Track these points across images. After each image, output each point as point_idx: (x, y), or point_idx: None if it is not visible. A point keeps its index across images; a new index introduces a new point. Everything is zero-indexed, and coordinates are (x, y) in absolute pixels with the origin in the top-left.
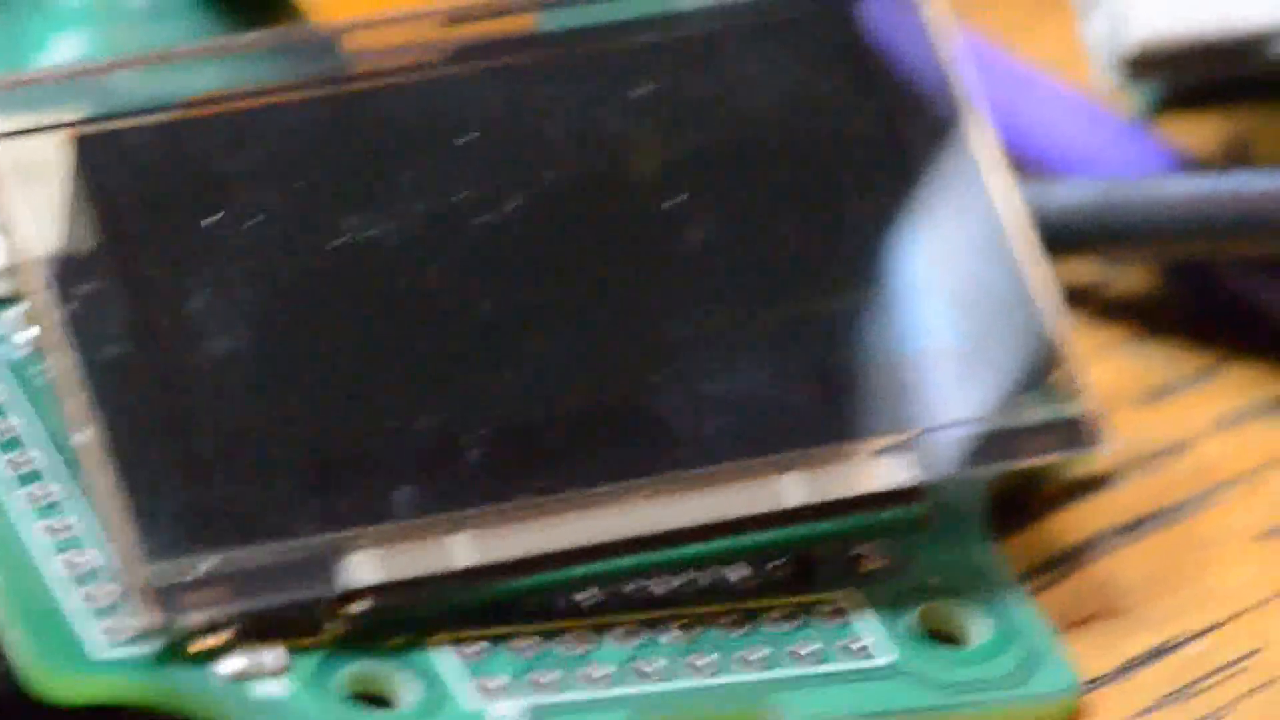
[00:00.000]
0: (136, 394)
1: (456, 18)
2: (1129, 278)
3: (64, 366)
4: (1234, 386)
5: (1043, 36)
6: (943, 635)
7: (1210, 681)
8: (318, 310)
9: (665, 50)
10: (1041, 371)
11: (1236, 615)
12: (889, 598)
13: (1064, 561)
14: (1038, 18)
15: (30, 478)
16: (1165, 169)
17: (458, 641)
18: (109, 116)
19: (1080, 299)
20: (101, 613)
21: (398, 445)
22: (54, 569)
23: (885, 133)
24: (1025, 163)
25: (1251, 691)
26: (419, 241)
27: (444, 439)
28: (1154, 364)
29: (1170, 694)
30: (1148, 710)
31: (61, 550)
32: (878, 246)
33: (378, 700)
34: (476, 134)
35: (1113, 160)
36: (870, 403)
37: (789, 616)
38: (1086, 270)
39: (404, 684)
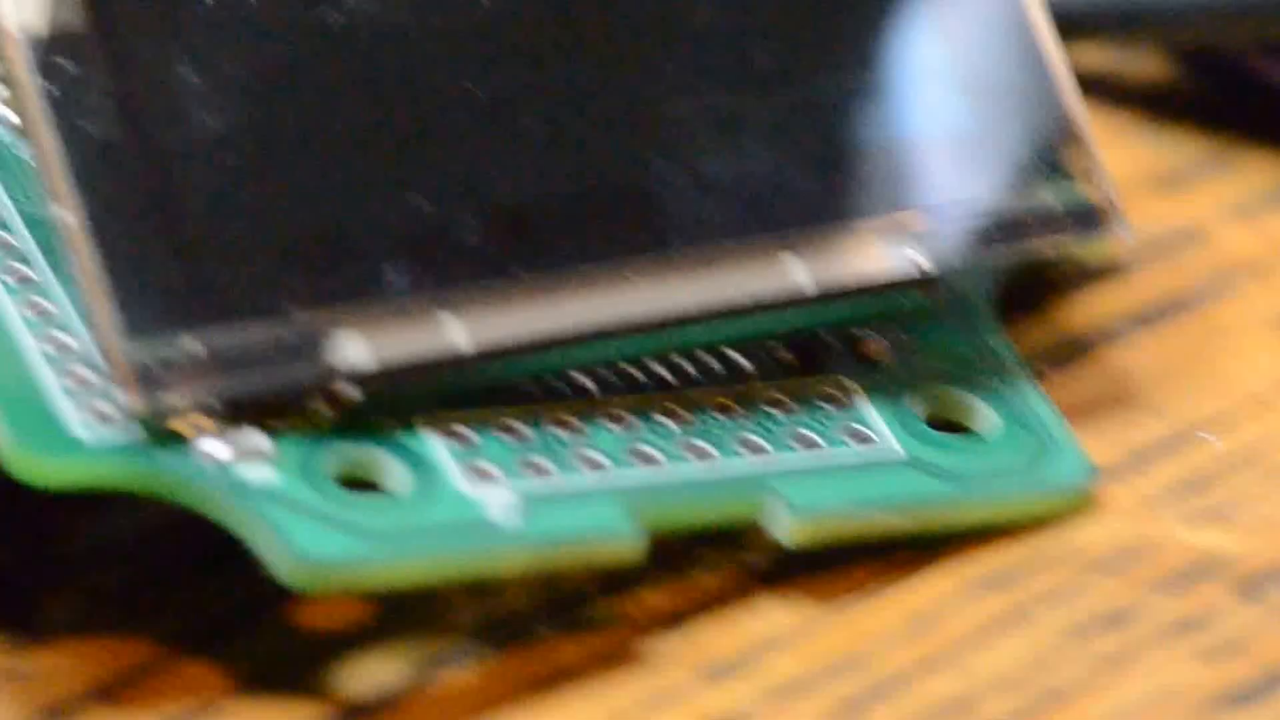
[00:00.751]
0: (119, 172)
1: None
2: (1141, 62)
3: (45, 145)
4: (1253, 173)
5: None
6: (952, 424)
7: (1222, 469)
8: (309, 87)
9: None
10: (1056, 154)
11: (1251, 403)
12: (895, 385)
13: (1075, 348)
14: None
15: (13, 257)
16: None
17: (450, 426)
18: None
19: (1090, 85)
20: (85, 395)
21: (390, 224)
22: (36, 350)
23: None
24: None
25: (1263, 478)
26: (414, 16)
27: (437, 218)
28: (1168, 151)
29: (1182, 483)
30: (1159, 500)
31: (44, 331)
32: (887, 25)
33: (367, 486)
34: None
35: None
36: (876, 185)
37: (791, 402)
38: (1097, 55)
39: (394, 469)
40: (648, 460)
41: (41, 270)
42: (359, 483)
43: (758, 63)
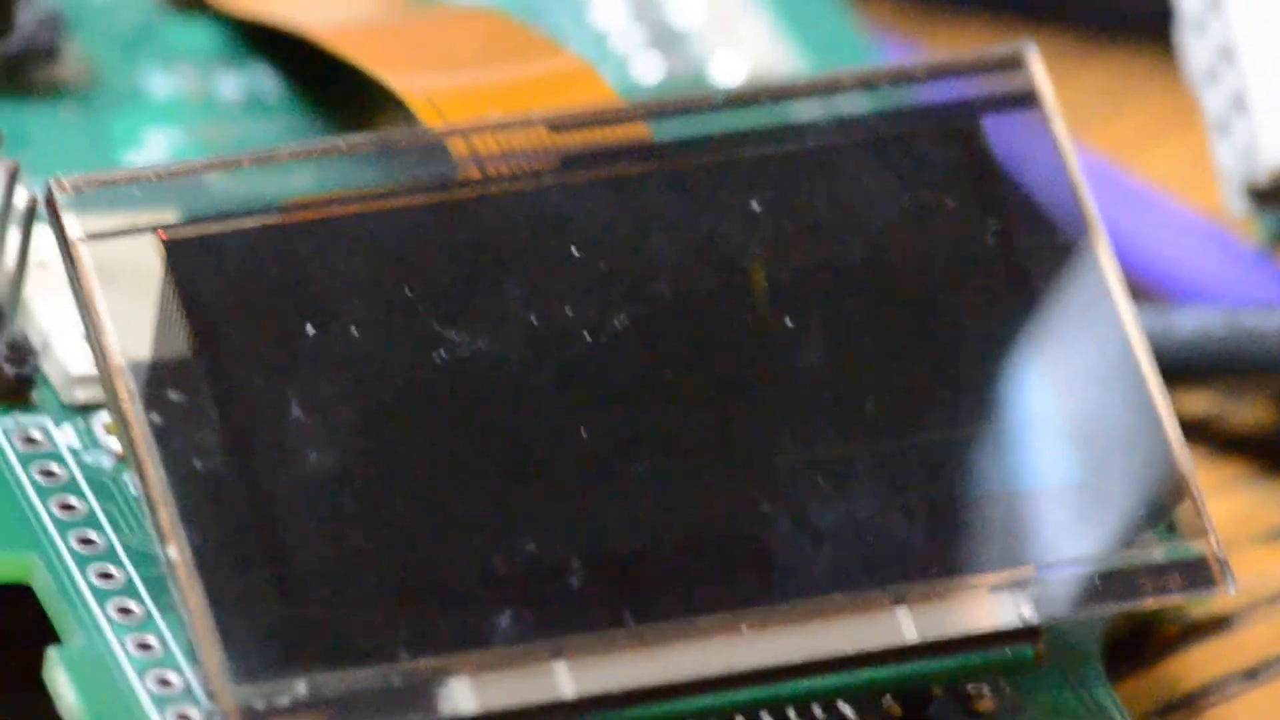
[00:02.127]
0: (226, 509)
1: (567, 124)
2: (1248, 411)
3: (151, 479)
4: None
5: (1165, 153)
6: None
7: None
8: (417, 427)
9: (782, 163)
10: (1165, 508)
11: None
12: None
13: (1183, 706)
14: (1160, 134)
15: (119, 592)
16: None
17: None
18: (203, 219)
19: (1197, 432)
20: None
21: (498, 569)
22: (143, 689)
23: (1008, 253)
24: (1144, 288)
25: None
26: (523, 358)
27: (546, 564)
28: (1276, 502)
29: None
30: None
31: (150, 669)
32: (998, 374)
33: None
34: (585, 247)
35: (1237, 289)
36: (986, 538)
37: None
38: (1203, 402)
39: None
40: None
41: (146, 605)
42: None
43: (868, 410)
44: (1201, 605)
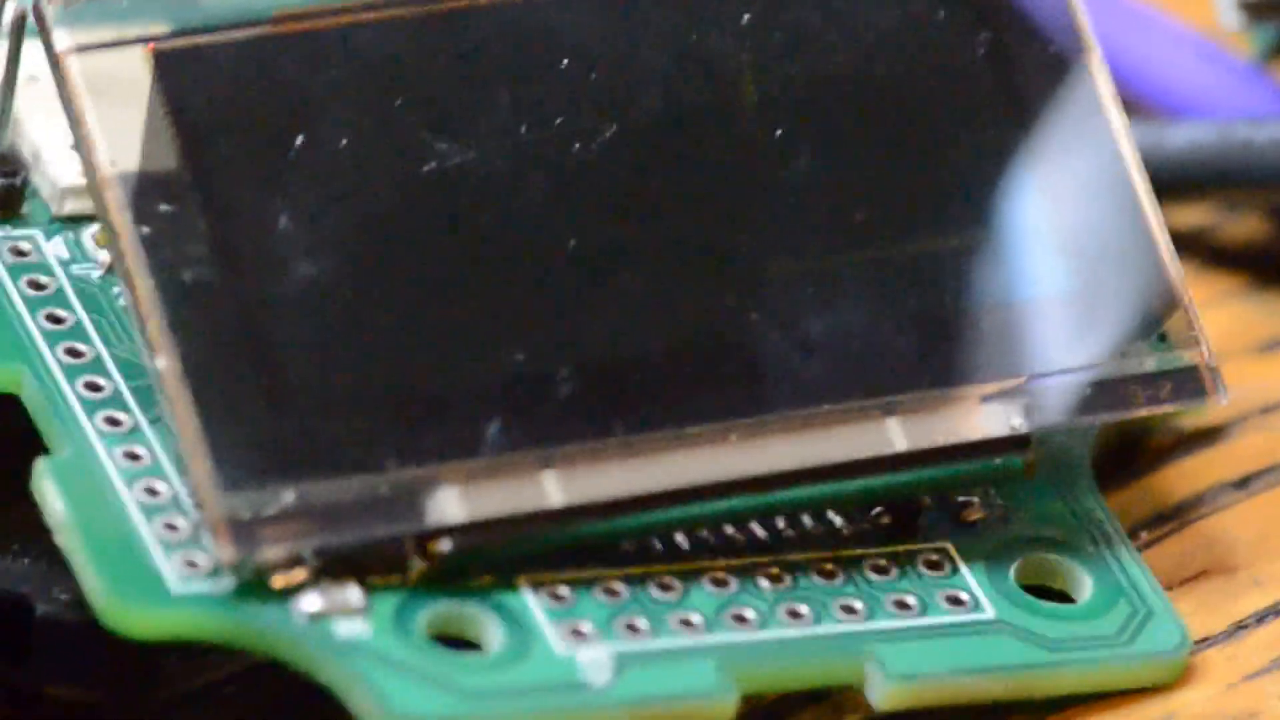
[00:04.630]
0: (215, 320)
1: None
2: (1242, 224)
3: (140, 290)
4: None
5: None
6: (1048, 589)
7: None
8: (406, 238)
9: None
10: (1157, 319)
11: None
12: (992, 549)
13: (1173, 516)
14: None
15: (107, 403)
16: None
17: (545, 584)
18: (192, 31)
19: (1190, 245)
20: (179, 545)
21: (487, 380)
22: (131, 498)
23: (1001, 67)
24: (1138, 102)
25: None
26: (513, 169)
27: (535, 374)
28: (1267, 314)
29: None
30: (1258, 673)
31: (138, 479)
32: (990, 186)
33: (461, 643)
34: (575, 59)
35: (1230, 102)
36: (977, 348)
37: (889, 565)
38: (1197, 215)
39: (489, 626)
40: (744, 622)
41: (134, 415)
42: (453, 639)
43: (858, 221)
44: (1193, 416)
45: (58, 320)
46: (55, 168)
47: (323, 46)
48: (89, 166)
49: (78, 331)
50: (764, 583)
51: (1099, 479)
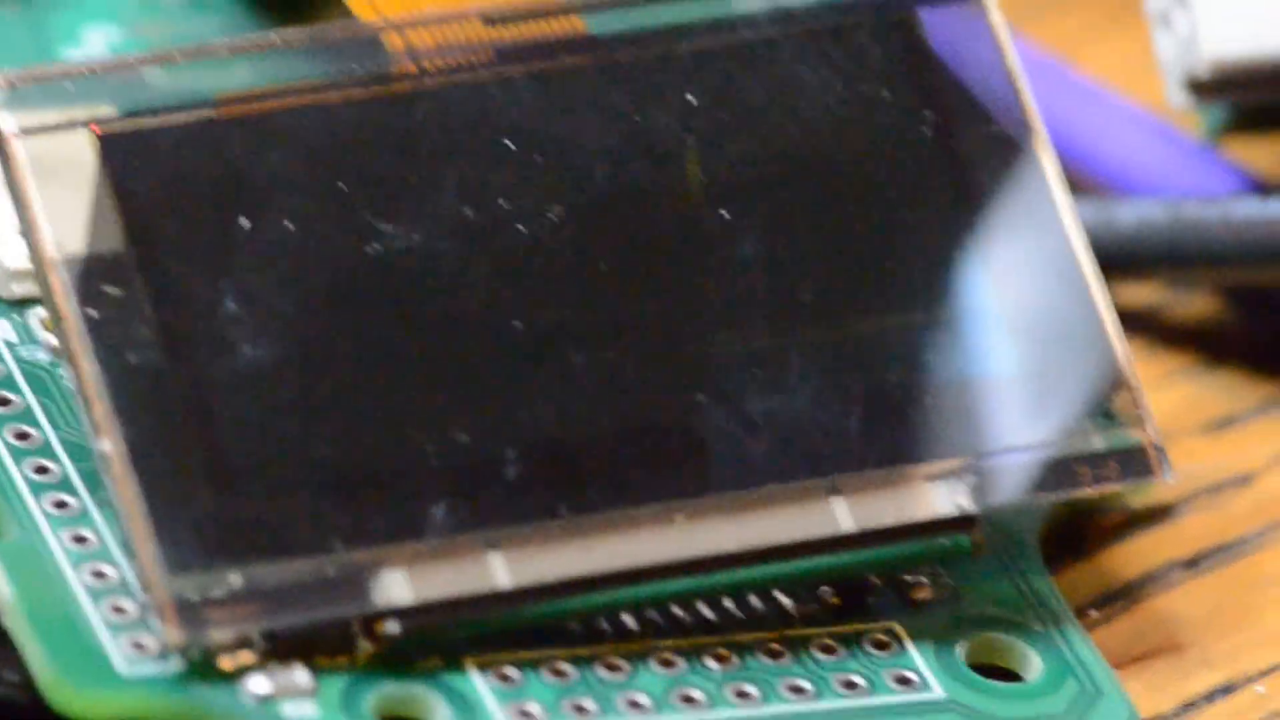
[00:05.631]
0: (161, 403)
1: (503, 18)
2: (1190, 303)
3: (86, 373)
4: None
5: (1108, 49)
6: (996, 668)
7: None
8: (352, 319)
9: (718, 56)
10: (1104, 398)
11: None
12: (941, 628)
13: (1122, 595)
14: (1103, 29)
15: (54, 486)
16: (1234, 190)
17: (493, 665)
18: (138, 113)
19: (1139, 324)
20: (126, 627)
21: (433, 461)
22: (78, 581)
23: (946, 146)
24: (1086, 181)
25: None
26: (458, 250)
27: (481, 455)
28: (1216, 393)
29: None
30: None
31: (85, 562)
32: (935, 265)
33: None
34: (520, 140)
35: (1179, 180)
36: (923, 427)
37: (837, 645)
38: (1146, 294)
39: (437, 708)
40: (692, 702)
41: (81, 498)
42: None
43: (804, 301)
44: (1141, 495)
45: (5, 403)
46: (2, 251)
47: (267, 129)
48: (35, 250)
49: (26, 415)
50: (712, 663)
51: (1047, 557)
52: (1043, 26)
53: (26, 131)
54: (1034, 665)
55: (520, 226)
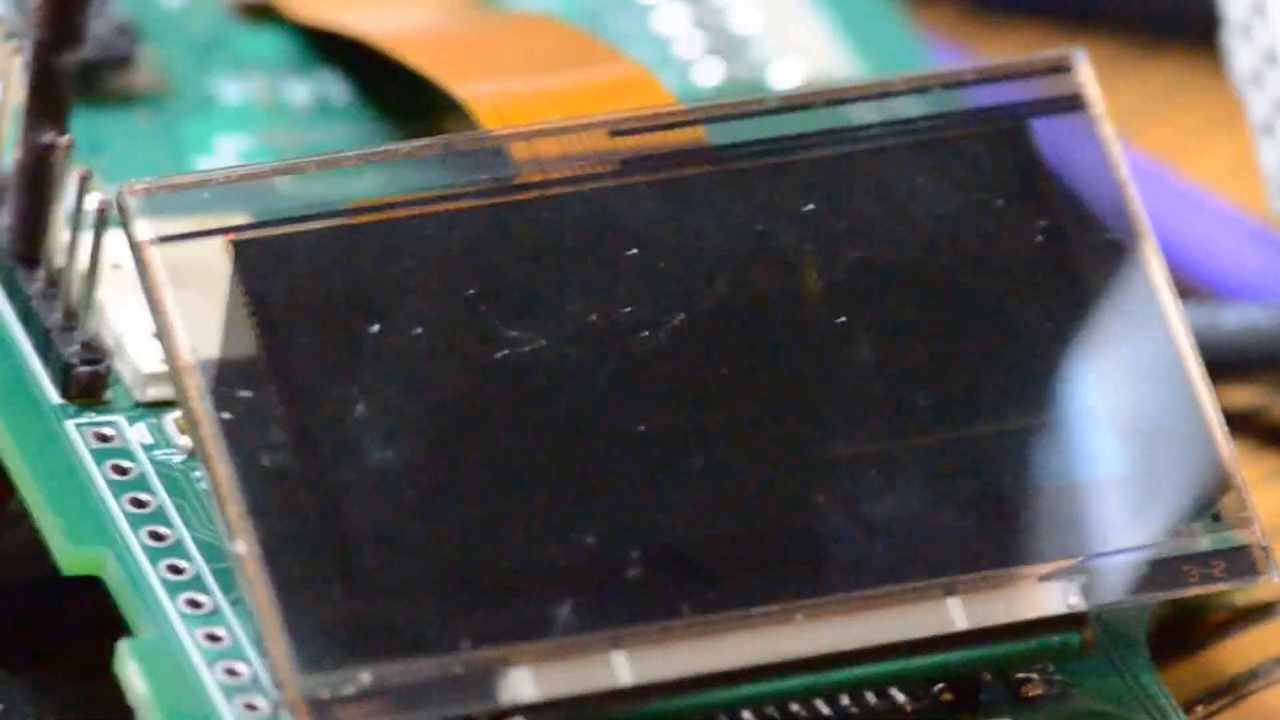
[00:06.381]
0: (293, 504)
1: (625, 128)
2: None
3: (220, 475)
4: None
5: (1211, 155)
6: None
7: None
8: (478, 422)
9: (836, 164)
10: (1211, 499)
11: None
12: None
13: (1228, 690)
14: (1206, 135)
15: (188, 585)
16: None
17: None
18: (270, 222)
19: (1244, 425)
20: None
21: (558, 561)
22: (211, 679)
23: (1057, 252)
24: (1192, 284)
25: None
26: (583, 355)
27: (604, 556)
28: None
29: None
30: None
31: (219, 660)
32: (1046, 369)
33: None
34: (643, 247)
35: None
36: (1035, 528)
37: None
38: (1249, 395)
39: None
40: None
41: (214, 597)
42: None
43: (919, 405)
44: (1245, 593)
45: (141, 504)
46: (137, 354)
47: (396, 236)
48: (170, 354)
49: (160, 515)
50: None
51: (1154, 654)
52: (1146, 132)
53: (163, 239)
54: None
55: (643, 332)
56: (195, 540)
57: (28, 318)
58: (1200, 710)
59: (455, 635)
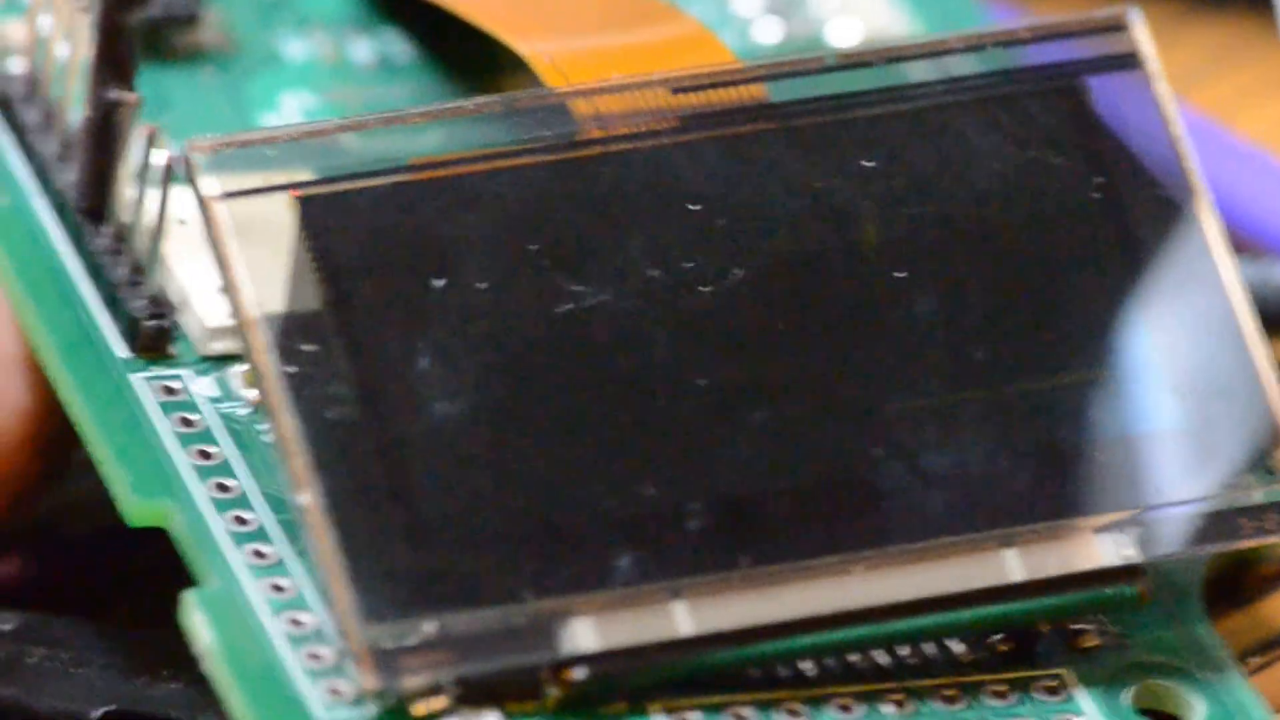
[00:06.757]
0: (357, 457)
1: (685, 86)
2: None
3: (285, 428)
4: None
5: (1265, 114)
6: (1161, 713)
7: None
8: (541, 376)
9: (894, 122)
10: (1264, 453)
11: None
12: (1108, 675)
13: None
14: (1261, 94)
15: (253, 536)
16: None
17: (676, 710)
18: (335, 178)
19: None
20: (323, 674)
21: (619, 512)
22: (276, 629)
23: (1113, 208)
24: (1247, 240)
25: None
26: (644, 310)
27: (665, 507)
28: None
29: None
30: None
31: (283, 610)
32: (1102, 324)
33: None
34: (704, 203)
35: None
36: (1092, 480)
37: (1009, 691)
38: None
39: None
40: None
41: (279, 548)
42: None
43: (977, 359)
44: None
45: (207, 456)
46: (203, 309)
47: (460, 192)
48: (235, 308)
49: (225, 467)
50: (888, 708)
51: (1208, 606)
52: (1201, 91)
53: (228, 195)
54: (1198, 710)
55: (703, 287)
56: (261, 492)
57: (95, 273)
58: (1253, 661)
59: (517, 586)
